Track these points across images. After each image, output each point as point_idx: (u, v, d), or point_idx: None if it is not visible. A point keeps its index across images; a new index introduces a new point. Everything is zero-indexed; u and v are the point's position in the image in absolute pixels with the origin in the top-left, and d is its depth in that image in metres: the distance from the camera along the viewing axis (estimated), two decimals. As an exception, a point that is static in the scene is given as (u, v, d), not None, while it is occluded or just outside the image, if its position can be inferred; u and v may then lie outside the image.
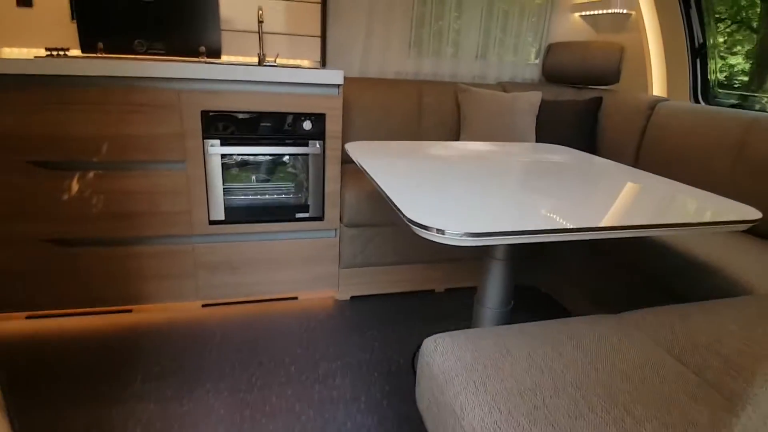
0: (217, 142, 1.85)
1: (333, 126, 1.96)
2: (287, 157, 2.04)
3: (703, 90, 2.44)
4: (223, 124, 1.84)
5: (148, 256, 1.90)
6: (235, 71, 1.78)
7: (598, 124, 2.55)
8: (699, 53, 2.39)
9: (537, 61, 2.85)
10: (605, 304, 1.94)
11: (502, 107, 2.43)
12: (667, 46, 2.49)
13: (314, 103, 1.91)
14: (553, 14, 2.79)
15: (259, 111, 1.86)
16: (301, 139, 1.95)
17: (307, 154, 1.99)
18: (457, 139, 2.55)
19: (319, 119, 1.94)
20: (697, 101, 2.45)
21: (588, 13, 2.76)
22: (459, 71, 2.72)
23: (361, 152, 1.60)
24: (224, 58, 2.34)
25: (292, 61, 2.44)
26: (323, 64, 2.46)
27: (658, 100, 2.30)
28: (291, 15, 2.37)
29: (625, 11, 2.54)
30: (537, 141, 2.48)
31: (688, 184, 1.51)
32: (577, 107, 2.52)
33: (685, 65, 2.42)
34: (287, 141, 1.93)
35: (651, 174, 1.61)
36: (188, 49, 2.23)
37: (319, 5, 2.38)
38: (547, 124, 2.50)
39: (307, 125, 1.93)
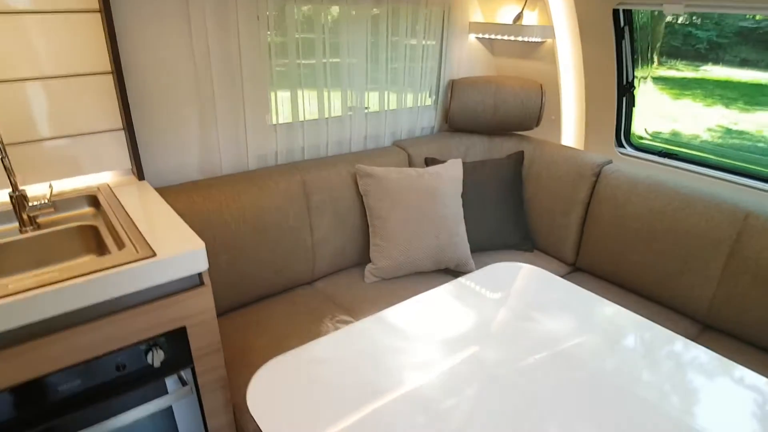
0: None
1: (202, 340, 1.10)
2: None
3: (626, 135, 2.11)
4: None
5: None
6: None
7: (524, 188, 2.06)
8: (626, 92, 2.01)
9: (431, 103, 2.20)
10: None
11: (423, 194, 1.77)
12: (590, 83, 2.07)
13: (157, 318, 1.02)
14: (450, 37, 2.13)
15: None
16: (143, 388, 1.05)
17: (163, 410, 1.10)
18: (365, 253, 1.84)
19: (174, 340, 1.06)
20: (620, 146, 2.11)
21: (492, 36, 2.17)
22: (345, 134, 1.94)
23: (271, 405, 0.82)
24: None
25: (79, 185, 1.38)
26: (139, 173, 1.45)
27: (606, 162, 1.89)
28: (67, 98, 1.30)
29: (539, 39, 2.02)
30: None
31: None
32: (501, 169, 1.99)
33: (611, 105, 2.04)
34: (115, 408, 1.02)
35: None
36: None
37: (111, 76, 1.34)
38: (471, 201, 1.93)
39: (153, 358, 1.03)
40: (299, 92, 1.77)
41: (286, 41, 1.68)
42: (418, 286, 1.74)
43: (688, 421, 0.87)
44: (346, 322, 1.56)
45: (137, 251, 1.00)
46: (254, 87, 1.65)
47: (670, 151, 1.98)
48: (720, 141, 1.97)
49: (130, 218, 1.17)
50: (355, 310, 1.62)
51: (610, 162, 1.88)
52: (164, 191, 1.48)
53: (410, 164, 1.99)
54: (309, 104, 1.81)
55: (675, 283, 1.65)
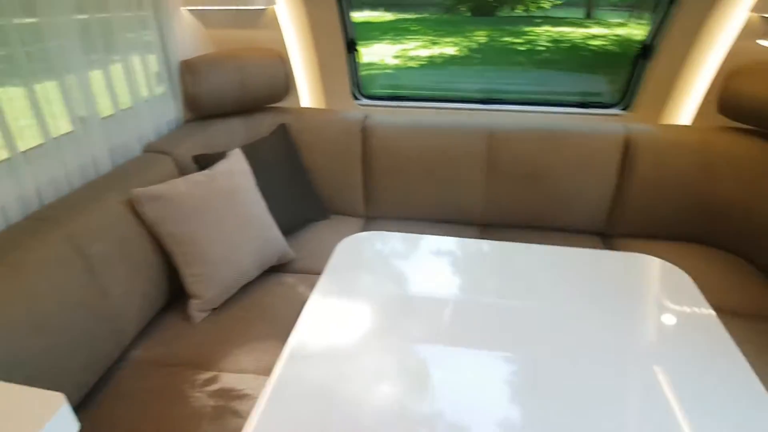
0: None
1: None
2: None
3: (358, 88, 2.27)
4: None
5: None
6: None
7: (302, 159, 2.01)
8: (353, 48, 2.14)
9: (165, 91, 1.83)
10: None
11: (224, 199, 1.51)
12: (319, 44, 2.09)
13: None
14: (165, 13, 1.75)
15: None
16: None
17: None
18: (172, 292, 1.48)
19: None
20: (356, 98, 2.27)
21: (211, 7, 1.89)
22: (85, 154, 1.43)
23: None
24: None
25: None
26: None
27: (365, 116, 2.00)
28: None
29: (262, 7, 1.89)
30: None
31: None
32: (274, 146, 1.88)
33: (342, 63, 2.14)
34: None
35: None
36: None
37: None
38: (262, 189, 1.77)
39: None
40: None
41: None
42: (261, 299, 1.56)
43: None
44: (219, 382, 1.29)
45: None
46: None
47: (397, 94, 2.26)
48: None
49: None
50: (214, 360, 1.34)
51: (367, 116, 2.02)
52: None
53: (179, 169, 1.66)
54: (18, 122, 1.25)
55: (453, 200, 1.97)
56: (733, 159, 1.81)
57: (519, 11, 8.36)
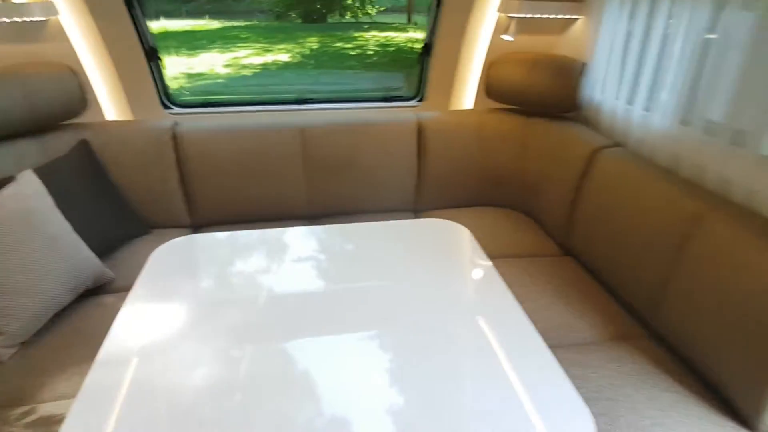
0: None
1: None
2: None
3: (167, 96, 2.25)
4: None
5: None
6: None
7: (110, 174, 1.93)
8: (153, 56, 2.11)
9: None
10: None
11: (17, 223, 1.41)
12: (115, 54, 2.03)
13: None
14: None
15: None
16: None
17: None
18: None
19: None
20: (167, 107, 2.25)
21: None
22: None
23: None
24: None
25: None
26: None
27: (174, 124, 2.00)
28: None
29: (41, 18, 1.78)
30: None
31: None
32: (76, 164, 1.79)
33: (144, 71, 2.10)
34: None
35: None
36: None
37: None
38: (64, 209, 1.68)
39: None
40: None
41: None
42: (78, 324, 1.50)
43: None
44: (36, 413, 1.22)
45: None
46: None
47: (210, 101, 2.29)
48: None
49: None
50: (29, 394, 1.27)
51: (176, 123, 2.02)
52: None
53: (-44, 199, 1.50)
54: None
55: (276, 198, 2.08)
56: (501, 134, 2.19)
57: (348, 18, 8.74)
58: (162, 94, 2.21)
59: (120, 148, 1.94)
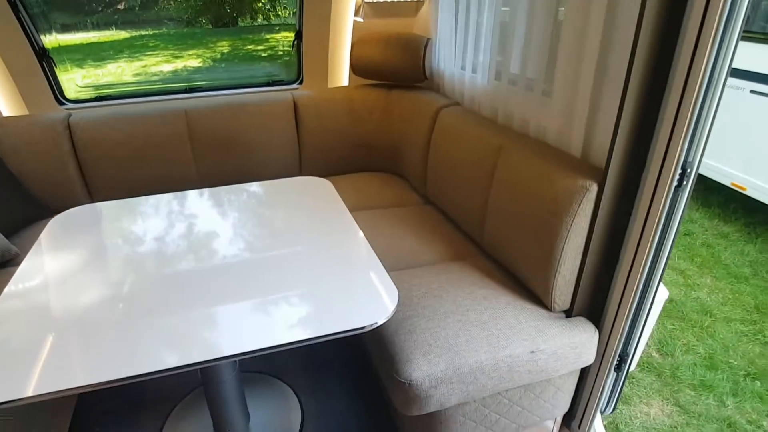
0: None
1: None
2: None
3: (61, 93, 2.43)
4: None
5: None
6: None
7: (5, 164, 2.10)
8: (44, 57, 2.28)
9: None
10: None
11: None
12: (5, 54, 2.19)
13: None
14: None
15: None
16: None
17: None
18: None
19: None
20: (62, 104, 2.42)
21: None
22: None
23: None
24: None
25: None
26: None
27: (69, 114, 2.20)
28: None
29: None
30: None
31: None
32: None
33: (37, 71, 2.28)
34: None
35: None
36: None
37: None
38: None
39: None
40: None
41: None
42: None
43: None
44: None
45: None
46: None
47: (102, 95, 2.50)
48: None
49: None
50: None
51: (70, 114, 2.22)
52: None
53: None
54: None
55: (168, 176, 2.32)
56: (368, 106, 2.55)
57: (260, 20, 8.88)
58: (56, 91, 2.38)
59: (17, 140, 2.12)
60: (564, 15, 1.61)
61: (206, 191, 1.85)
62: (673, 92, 1.20)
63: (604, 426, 1.80)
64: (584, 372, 1.66)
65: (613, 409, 1.75)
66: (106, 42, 7.15)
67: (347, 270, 1.35)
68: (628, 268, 1.43)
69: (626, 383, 2.07)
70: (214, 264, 1.39)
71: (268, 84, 2.70)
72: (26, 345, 1.09)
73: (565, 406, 1.68)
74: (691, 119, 1.19)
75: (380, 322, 1.18)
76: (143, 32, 7.88)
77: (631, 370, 2.13)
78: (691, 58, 1.14)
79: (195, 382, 2.02)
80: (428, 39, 2.40)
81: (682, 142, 1.22)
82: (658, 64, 1.23)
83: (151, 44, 7.94)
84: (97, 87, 2.47)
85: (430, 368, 1.35)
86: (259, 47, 8.54)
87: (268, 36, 8.65)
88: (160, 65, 7.13)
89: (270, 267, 1.36)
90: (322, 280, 1.31)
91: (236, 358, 1.09)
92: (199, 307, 1.21)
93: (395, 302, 1.22)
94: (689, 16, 1.12)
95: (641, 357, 2.31)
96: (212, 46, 8.46)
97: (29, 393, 0.96)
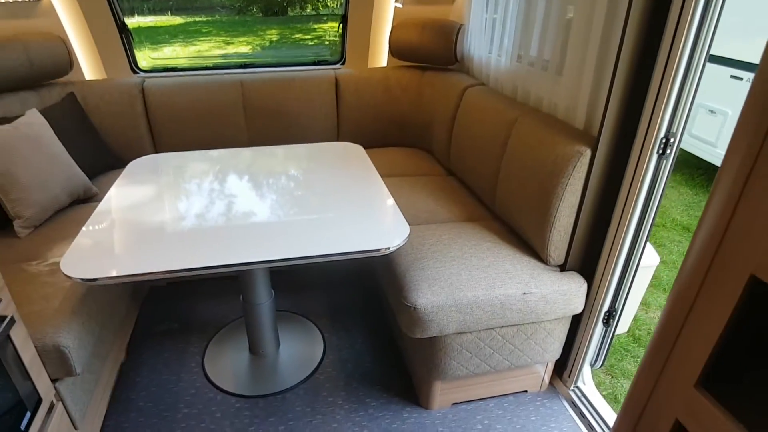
0: None
1: None
2: None
3: (135, 63, 2.80)
4: None
5: None
6: None
7: (92, 121, 2.48)
8: (124, 30, 2.65)
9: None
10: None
11: (32, 143, 1.95)
12: (93, 26, 2.57)
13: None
14: None
15: None
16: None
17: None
18: None
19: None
20: (134, 72, 2.79)
21: None
22: None
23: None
24: None
25: None
26: None
27: (143, 80, 2.55)
28: None
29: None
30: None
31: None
32: (67, 112, 2.33)
33: (117, 42, 2.64)
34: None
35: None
36: None
37: None
38: (64, 140, 2.22)
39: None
40: None
41: None
42: (74, 218, 2.07)
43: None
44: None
45: None
46: None
47: (171, 66, 2.85)
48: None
49: None
50: (42, 252, 1.82)
51: (144, 80, 2.58)
52: None
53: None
54: None
55: (222, 136, 2.65)
56: (402, 85, 2.81)
57: (308, 10, 9.23)
58: (131, 60, 2.75)
59: (99, 100, 2.49)
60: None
61: (257, 148, 2.17)
62: (656, 72, 1.41)
63: (603, 396, 1.97)
64: (574, 324, 1.87)
65: (602, 363, 1.95)
66: (161, 26, 7.64)
67: (369, 209, 1.63)
68: (616, 227, 1.64)
69: (626, 358, 2.26)
70: (261, 192, 1.71)
71: (314, 63, 3.00)
72: (116, 243, 1.42)
73: (555, 352, 1.89)
74: (670, 94, 1.39)
75: (392, 248, 1.44)
76: (197, 18, 8.36)
77: (622, 332, 2.31)
78: (671, 42, 1.35)
79: (235, 314, 2.34)
80: (461, 25, 2.63)
81: (663, 115, 1.43)
82: (645, 46, 1.44)
83: (204, 30, 8.39)
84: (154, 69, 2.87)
85: (433, 297, 1.60)
86: (307, 36, 8.86)
87: (315, 26, 8.95)
88: (212, 50, 7.54)
89: (307, 203, 1.66)
90: (349, 216, 1.58)
91: (269, 265, 1.38)
92: (251, 223, 1.51)
93: (406, 234, 1.49)
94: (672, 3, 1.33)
95: (634, 327, 2.49)
96: (262, 33, 8.86)
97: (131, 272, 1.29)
